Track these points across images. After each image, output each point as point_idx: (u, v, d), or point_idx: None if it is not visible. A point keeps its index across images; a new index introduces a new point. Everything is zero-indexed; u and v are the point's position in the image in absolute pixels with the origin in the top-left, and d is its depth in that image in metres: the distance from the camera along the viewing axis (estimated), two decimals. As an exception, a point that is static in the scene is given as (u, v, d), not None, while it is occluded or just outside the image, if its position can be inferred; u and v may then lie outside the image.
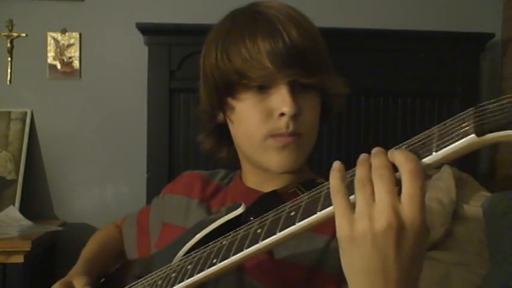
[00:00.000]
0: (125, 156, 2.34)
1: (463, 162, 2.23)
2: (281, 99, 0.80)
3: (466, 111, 0.52)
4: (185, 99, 2.25)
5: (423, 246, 0.54)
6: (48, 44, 2.32)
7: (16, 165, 2.23)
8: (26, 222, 2.07)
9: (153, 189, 2.12)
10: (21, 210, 2.15)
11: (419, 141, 0.55)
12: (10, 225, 2.03)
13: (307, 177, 0.85)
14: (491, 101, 0.50)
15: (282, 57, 0.79)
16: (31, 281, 1.91)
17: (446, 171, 2.01)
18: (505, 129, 0.46)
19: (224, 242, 0.70)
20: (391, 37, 2.29)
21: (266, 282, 0.80)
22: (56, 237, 2.15)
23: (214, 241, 0.73)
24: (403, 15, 2.39)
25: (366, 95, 2.27)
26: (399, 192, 0.53)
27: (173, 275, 0.75)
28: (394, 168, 0.54)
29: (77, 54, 2.33)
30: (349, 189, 0.56)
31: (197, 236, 0.78)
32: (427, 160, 0.52)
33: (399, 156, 0.53)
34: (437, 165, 0.53)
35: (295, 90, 0.81)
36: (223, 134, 0.92)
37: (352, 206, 0.55)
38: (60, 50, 2.32)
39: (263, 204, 0.68)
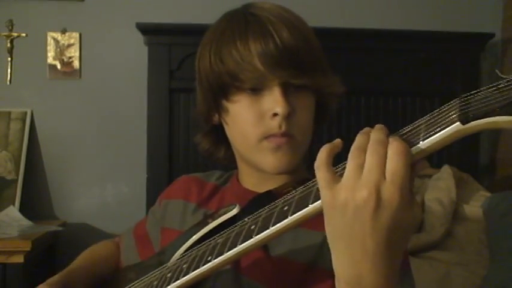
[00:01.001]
0: (125, 156, 2.34)
1: (463, 162, 2.23)
2: (273, 100, 0.80)
3: (452, 101, 0.52)
4: (185, 99, 2.25)
5: (403, 226, 0.54)
6: (48, 44, 2.32)
7: (16, 165, 2.23)
8: (26, 222, 2.07)
9: (153, 189, 2.12)
10: (21, 210, 2.15)
11: (407, 131, 0.55)
12: (10, 225, 2.03)
13: (304, 177, 0.86)
14: (476, 90, 0.50)
15: (273, 59, 0.79)
16: (31, 281, 1.91)
17: (447, 171, 2.01)
18: (489, 116, 0.47)
19: (219, 240, 0.71)
20: (391, 37, 2.29)
21: (263, 280, 0.80)
22: (56, 237, 2.15)
23: (209, 240, 0.74)
24: (403, 15, 2.39)
25: (366, 95, 2.27)
26: None
27: (169, 274, 0.75)
28: None
29: (77, 54, 2.33)
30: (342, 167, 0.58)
31: (193, 237, 0.79)
32: (414, 149, 0.53)
33: (391, 139, 0.54)
34: (427, 155, 0.53)
35: (288, 90, 0.81)
36: (220, 135, 0.92)
37: (336, 178, 0.56)
38: (60, 50, 2.32)
39: (258, 204, 0.69)
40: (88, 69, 2.34)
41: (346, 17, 2.34)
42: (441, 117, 0.52)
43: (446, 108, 0.53)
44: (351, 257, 0.54)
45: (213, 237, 0.73)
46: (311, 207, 0.59)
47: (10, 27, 2.31)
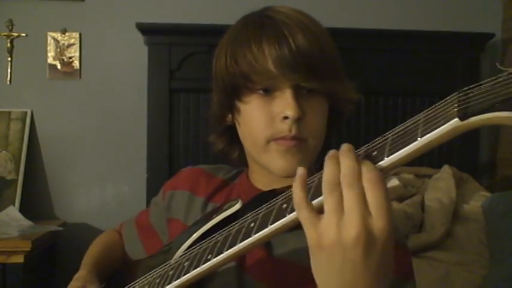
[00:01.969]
0: (125, 156, 2.34)
1: (463, 162, 2.23)
2: (285, 103, 0.80)
3: (450, 96, 0.51)
4: (185, 99, 2.25)
5: (390, 256, 0.54)
6: (48, 44, 2.32)
7: (16, 165, 2.23)
8: (26, 222, 2.07)
9: (153, 189, 2.12)
10: (21, 210, 2.15)
11: (405, 128, 0.54)
12: (10, 225, 2.03)
13: None
14: (476, 84, 0.49)
15: (286, 61, 0.79)
16: (31, 281, 1.91)
17: (447, 171, 2.01)
18: (488, 112, 0.46)
19: (219, 238, 0.71)
20: (391, 37, 2.29)
21: (265, 280, 0.80)
22: (56, 237, 2.15)
23: (210, 237, 0.74)
24: (403, 15, 2.39)
25: (366, 95, 2.27)
26: None
27: (171, 272, 0.75)
28: None
29: (77, 54, 2.33)
30: (317, 189, 0.56)
31: (195, 234, 0.79)
32: (413, 146, 0.52)
33: (364, 169, 0.53)
34: (426, 151, 0.52)
35: (300, 94, 0.81)
36: (234, 136, 0.92)
37: (319, 212, 0.55)
38: (60, 50, 2.32)
39: (260, 201, 0.69)
40: (88, 69, 2.34)
41: (346, 17, 2.34)
42: (440, 112, 0.51)
43: (445, 102, 0.51)
44: None
45: (215, 234, 0.73)
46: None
47: (10, 27, 2.31)
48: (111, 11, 2.35)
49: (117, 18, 2.34)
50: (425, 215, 1.88)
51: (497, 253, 1.72)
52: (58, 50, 2.32)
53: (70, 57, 2.33)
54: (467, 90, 0.49)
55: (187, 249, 0.79)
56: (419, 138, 0.51)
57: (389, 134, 0.56)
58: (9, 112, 2.29)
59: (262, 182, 0.92)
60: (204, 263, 0.69)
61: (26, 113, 2.30)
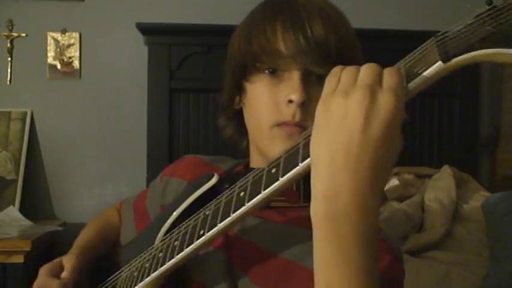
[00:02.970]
0: (125, 156, 2.34)
1: (463, 162, 2.23)
2: (291, 86, 0.78)
3: (426, 43, 0.53)
4: (185, 99, 2.25)
5: (390, 147, 0.51)
6: (48, 44, 2.32)
7: (16, 165, 2.23)
8: (26, 222, 2.07)
9: (153, 189, 2.13)
10: (21, 210, 2.15)
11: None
12: (10, 225, 2.03)
13: None
14: (448, 29, 0.51)
15: (298, 45, 0.77)
16: (31, 281, 1.90)
17: (447, 171, 2.01)
18: (469, 52, 0.48)
19: (207, 212, 0.69)
20: (391, 37, 2.29)
21: (248, 271, 0.78)
22: (56, 237, 2.15)
23: (196, 214, 0.72)
24: (403, 15, 2.39)
25: (366, 95, 2.26)
26: None
27: (160, 254, 0.74)
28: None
29: (77, 54, 2.33)
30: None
31: (174, 214, 0.77)
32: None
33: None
34: (412, 96, 0.54)
35: (309, 79, 0.79)
36: (241, 121, 0.90)
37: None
38: (60, 50, 2.32)
39: (238, 175, 0.68)
40: (88, 69, 2.34)
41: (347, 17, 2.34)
42: (421, 58, 0.52)
43: (423, 49, 0.53)
44: (331, 165, 0.51)
45: (199, 211, 0.72)
46: (301, 166, 0.57)
47: (10, 27, 2.31)
48: (111, 11, 2.35)
49: (117, 18, 2.34)
50: (425, 215, 1.88)
51: (498, 253, 1.72)
52: (58, 50, 2.32)
53: (70, 57, 2.33)
54: (443, 34, 0.51)
55: (168, 229, 0.77)
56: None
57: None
58: (9, 112, 2.29)
59: None
60: (197, 239, 0.67)
61: (26, 113, 2.30)
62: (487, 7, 0.47)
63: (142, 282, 0.74)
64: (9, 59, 2.31)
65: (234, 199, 0.65)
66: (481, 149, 2.38)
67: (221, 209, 0.66)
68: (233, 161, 1.00)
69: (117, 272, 0.86)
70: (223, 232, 0.67)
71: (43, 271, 0.91)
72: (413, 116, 2.30)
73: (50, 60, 2.32)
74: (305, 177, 0.71)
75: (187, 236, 0.70)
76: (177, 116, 2.25)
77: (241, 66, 0.83)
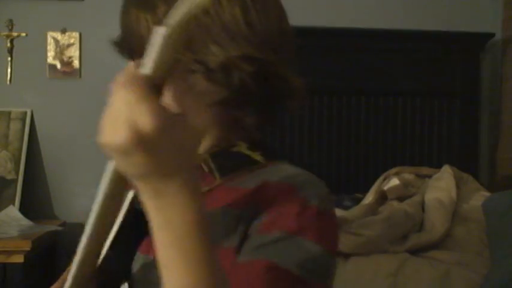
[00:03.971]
0: (125, 156, 2.34)
1: (463, 162, 2.23)
2: None
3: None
4: (185, 99, 2.25)
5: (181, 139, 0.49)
6: (48, 43, 2.32)
7: (16, 165, 2.23)
8: (26, 222, 2.07)
9: (153, 189, 2.12)
10: (21, 210, 2.15)
11: None
12: (10, 225, 2.03)
13: (225, 145, 0.75)
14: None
15: None
16: (31, 281, 1.91)
17: (447, 171, 2.01)
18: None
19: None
20: (391, 37, 2.29)
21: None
22: (56, 237, 2.15)
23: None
24: (403, 15, 2.39)
25: (366, 95, 2.27)
26: None
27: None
28: None
29: (77, 54, 2.33)
30: None
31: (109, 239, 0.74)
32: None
33: None
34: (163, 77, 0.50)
35: None
36: None
37: None
38: (60, 49, 2.32)
39: None
40: (88, 69, 2.34)
41: (347, 17, 2.34)
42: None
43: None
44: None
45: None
46: None
47: (10, 27, 2.31)
48: (111, 11, 2.33)
49: (117, 18, 2.33)
50: (426, 214, 1.88)
51: (498, 252, 1.72)
52: (58, 49, 2.32)
53: (70, 57, 2.33)
54: None
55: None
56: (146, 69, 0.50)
57: None
58: (9, 112, 2.29)
59: None
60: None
61: (26, 112, 2.30)
62: None
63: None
64: (9, 58, 2.31)
65: None
66: (481, 149, 2.38)
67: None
68: None
69: None
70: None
71: None
72: (414, 116, 2.31)
73: (49, 60, 2.32)
74: (214, 155, 0.71)
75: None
76: (177, 116, 2.25)
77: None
